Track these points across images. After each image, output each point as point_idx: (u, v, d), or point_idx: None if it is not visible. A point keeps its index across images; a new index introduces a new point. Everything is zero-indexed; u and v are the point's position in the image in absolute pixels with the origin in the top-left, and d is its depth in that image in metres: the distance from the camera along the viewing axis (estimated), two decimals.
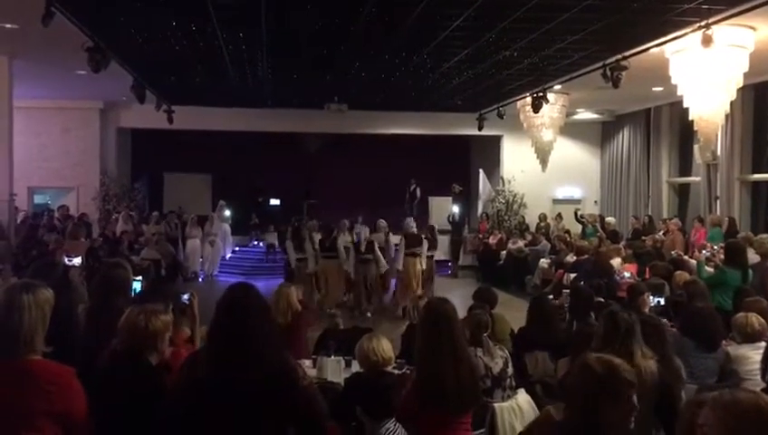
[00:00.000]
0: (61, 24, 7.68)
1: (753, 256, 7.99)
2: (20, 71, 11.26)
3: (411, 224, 12.47)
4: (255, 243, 17.90)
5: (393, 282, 12.49)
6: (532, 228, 16.24)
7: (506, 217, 17.54)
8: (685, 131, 14.63)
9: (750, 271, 7.59)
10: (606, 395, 2.46)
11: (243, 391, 2.78)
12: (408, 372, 4.56)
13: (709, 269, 7.83)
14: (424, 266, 12.21)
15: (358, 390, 4.26)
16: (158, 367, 3.30)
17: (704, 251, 8.90)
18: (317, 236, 12.32)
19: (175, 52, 10.38)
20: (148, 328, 3.28)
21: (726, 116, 9.74)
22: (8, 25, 9.03)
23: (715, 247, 9.02)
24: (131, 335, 3.30)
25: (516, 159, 17.50)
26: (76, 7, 7.93)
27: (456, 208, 17.25)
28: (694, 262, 8.70)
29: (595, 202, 18.22)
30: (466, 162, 20.79)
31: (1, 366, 2.67)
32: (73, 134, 16.30)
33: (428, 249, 12.52)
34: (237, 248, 17.90)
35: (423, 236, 12.49)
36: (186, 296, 4.08)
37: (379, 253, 12.08)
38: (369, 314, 11.60)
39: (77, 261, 7.98)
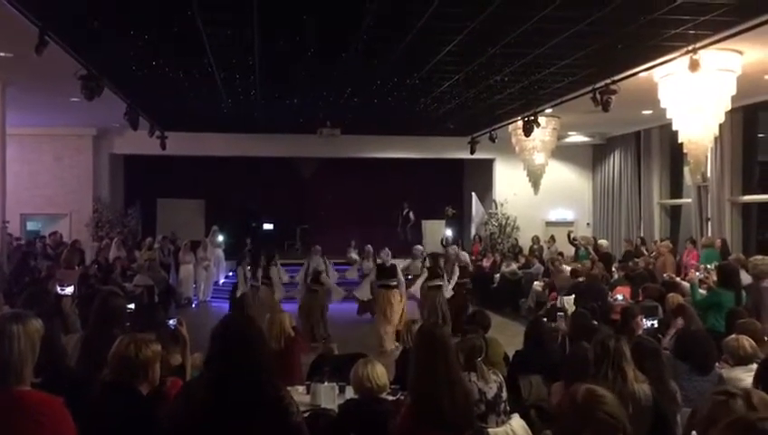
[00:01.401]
0: (54, 52, 7.71)
1: (745, 278, 8.01)
2: (13, 98, 11.24)
3: (383, 255, 11.33)
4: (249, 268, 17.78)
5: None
6: (526, 251, 16.26)
7: (499, 240, 17.58)
8: (675, 154, 14.75)
9: (743, 292, 7.61)
10: (586, 428, 2.28)
11: (239, 418, 2.79)
12: (403, 398, 4.52)
13: (702, 291, 7.84)
14: (399, 299, 10.95)
15: (352, 416, 4.22)
16: (148, 396, 3.28)
17: (697, 273, 8.93)
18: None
19: (168, 78, 10.44)
20: (139, 357, 3.27)
21: (715, 138, 9.81)
22: (2, 54, 9.04)
23: (710, 267, 9.04)
24: (121, 365, 3.28)
25: (509, 182, 17.58)
26: (70, 36, 7.98)
27: (449, 232, 17.27)
28: (687, 284, 8.71)
29: (587, 224, 18.28)
30: (459, 185, 20.85)
31: None
32: (66, 161, 16.31)
33: (429, 279, 11.34)
34: (231, 273, 17.81)
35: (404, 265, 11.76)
36: (172, 322, 4.07)
37: (329, 282, 11.69)
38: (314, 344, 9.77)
39: (69, 290, 7.94)
